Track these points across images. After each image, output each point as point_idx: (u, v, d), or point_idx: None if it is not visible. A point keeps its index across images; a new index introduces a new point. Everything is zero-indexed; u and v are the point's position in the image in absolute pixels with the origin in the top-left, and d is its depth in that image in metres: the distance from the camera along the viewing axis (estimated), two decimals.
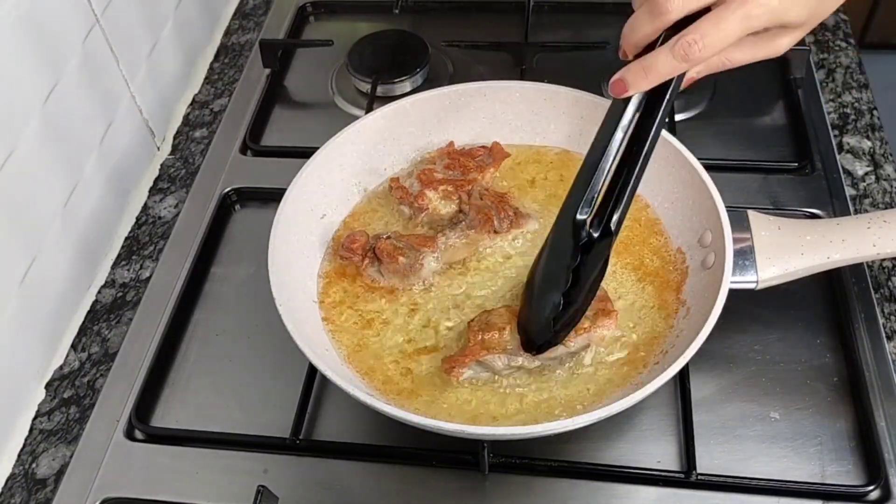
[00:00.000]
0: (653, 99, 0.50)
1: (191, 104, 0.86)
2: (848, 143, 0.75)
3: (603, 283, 0.56)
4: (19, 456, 0.61)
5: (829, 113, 0.78)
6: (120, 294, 0.70)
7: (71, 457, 0.59)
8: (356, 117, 0.67)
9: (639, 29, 0.49)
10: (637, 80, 0.49)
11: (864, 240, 0.56)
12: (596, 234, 0.51)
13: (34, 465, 0.60)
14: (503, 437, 0.52)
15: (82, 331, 0.68)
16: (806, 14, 0.49)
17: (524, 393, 0.55)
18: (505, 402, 0.54)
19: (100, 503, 0.57)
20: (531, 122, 0.67)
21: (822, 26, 0.87)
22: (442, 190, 0.63)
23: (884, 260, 0.66)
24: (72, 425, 0.62)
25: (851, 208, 0.69)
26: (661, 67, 0.48)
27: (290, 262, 0.58)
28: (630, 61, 0.50)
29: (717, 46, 0.47)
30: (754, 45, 0.51)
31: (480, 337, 0.54)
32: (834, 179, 0.71)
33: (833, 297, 0.63)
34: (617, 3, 0.90)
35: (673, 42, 0.47)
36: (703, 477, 0.54)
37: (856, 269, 0.64)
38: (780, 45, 0.51)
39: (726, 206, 0.56)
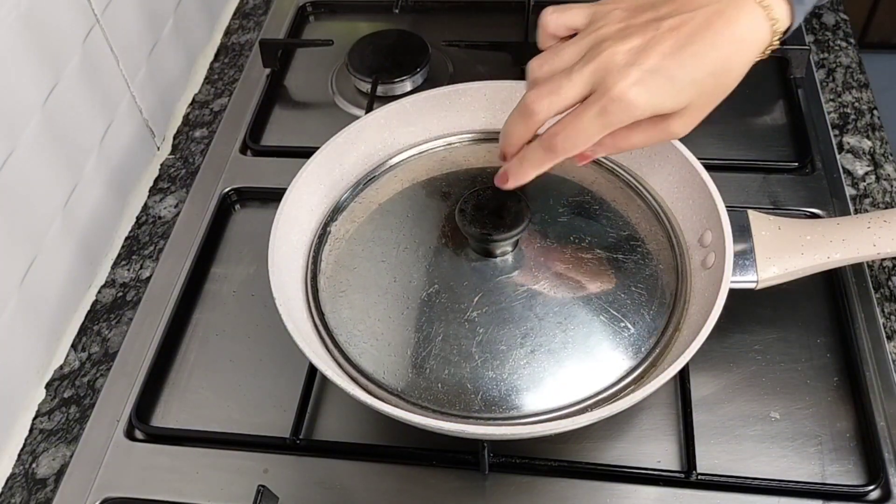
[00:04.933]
0: None
1: (191, 104, 0.86)
2: (848, 143, 0.75)
3: None
4: (19, 456, 0.61)
5: (829, 112, 0.78)
6: (120, 294, 0.70)
7: (71, 456, 0.59)
8: (356, 117, 0.67)
9: (512, 132, 0.51)
10: (516, 171, 0.52)
11: (864, 239, 0.56)
12: None
13: (34, 465, 0.60)
14: (503, 437, 0.52)
15: (82, 330, 0.68)
16: (685, 99, 0.47)
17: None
18: None
19: (100, 503, 0.57)
20: None
21: (823, 26, 0.87)
22: None
23: (884, 259, 0.66)
24: (72, 425, 0.62)
25: (851, 208, 0.69)
26: (533, 159, 0.50)
27: (291, 261, 0.58)
28: None
29: (578, 140, 0.48)
30: (647, 130, 0.49)
31: None
32: (834, 179, 0.71)
33: (833, 296, 0.63)
34: None
35: (541, 135, 0.50)
36: (703, 477, 0.54)
37: (856, 269, 0.64)
38: (672, 129, 0.49)
39: (726, 206, 0.56)
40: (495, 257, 0.56)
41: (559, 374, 0.52)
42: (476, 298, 0.55)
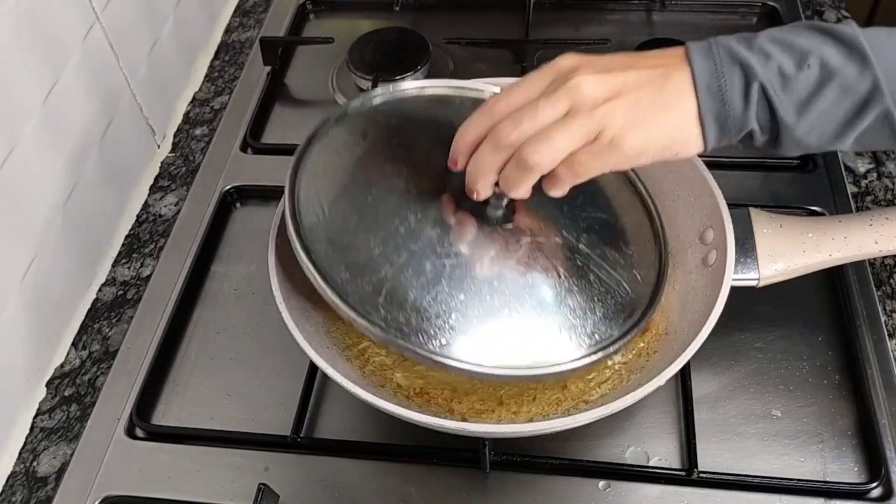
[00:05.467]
0: None
1: (191, 102, 0.86)
2: None
3: None
4: (20, 454, 0.61)
5: None
6: (120, 292, 0.70)
7: (72, 455, 0.59)
8: None
9: (469, 131, 0.49)
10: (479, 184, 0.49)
11: (866, 237, 0.56)
12: None
13: (35, 464, 0.60)
14: (504, 435, 0.52)
15: (83, 329, 0.68)
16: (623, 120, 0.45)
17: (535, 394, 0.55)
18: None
19: (100, 501, 0.57)
20: None
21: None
22: None
23: (886, 257, 0.66)
24: (73, 423, 0.62)
25: (853, 205, 0.69)
26: (487, 167, 0.48)
27: (291, 259, 0.58)
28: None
29: (545, 147, 0.45)
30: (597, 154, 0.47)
31: None
32: (836, 177, 0.71)
33: (835, 294, 0.63)
34: None
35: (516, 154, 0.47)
36: (704, 475, 0.54)
37: (858, 267, 0.64)
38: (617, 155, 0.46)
39: (728, 204, 0.56)
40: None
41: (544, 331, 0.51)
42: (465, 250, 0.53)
